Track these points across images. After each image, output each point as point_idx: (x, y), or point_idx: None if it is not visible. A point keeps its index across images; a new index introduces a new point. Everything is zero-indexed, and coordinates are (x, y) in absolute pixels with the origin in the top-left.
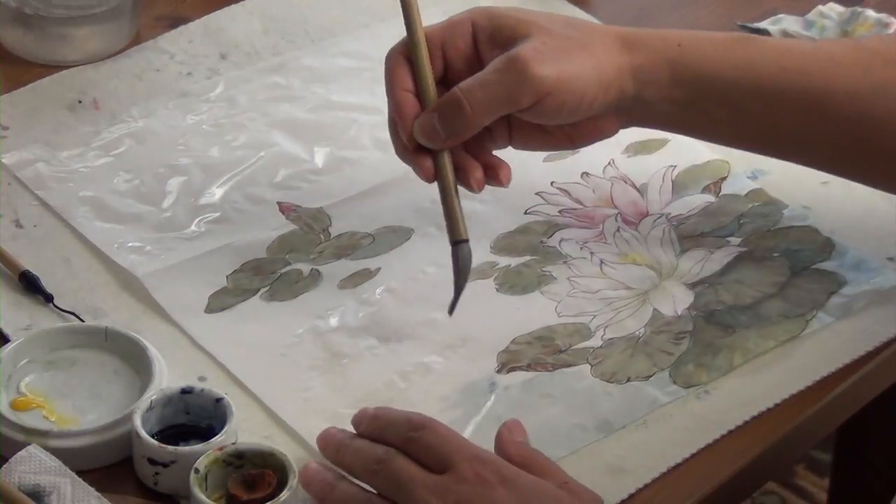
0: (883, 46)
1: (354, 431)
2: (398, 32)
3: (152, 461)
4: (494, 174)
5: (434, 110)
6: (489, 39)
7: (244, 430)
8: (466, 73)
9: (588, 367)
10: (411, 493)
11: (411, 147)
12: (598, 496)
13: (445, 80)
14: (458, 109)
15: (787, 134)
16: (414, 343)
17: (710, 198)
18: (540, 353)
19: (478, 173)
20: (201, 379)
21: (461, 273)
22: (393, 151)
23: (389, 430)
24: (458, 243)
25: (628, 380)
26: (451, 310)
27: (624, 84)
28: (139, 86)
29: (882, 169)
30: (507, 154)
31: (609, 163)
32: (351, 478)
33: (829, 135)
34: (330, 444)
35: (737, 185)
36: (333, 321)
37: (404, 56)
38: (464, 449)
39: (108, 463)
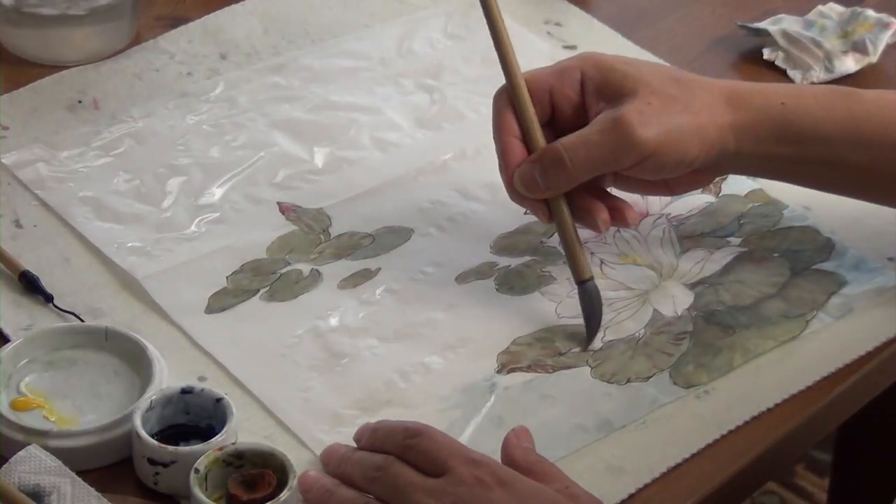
0: None
1: (355, 445)
2: (398, 33)
3: (152, 461)
4: (620, 215)
5: (536, 161)
6: (596, 90)
7: (244, 430)
8: (573, 118)
9: (588, 368)
10: (410, 497)
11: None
12: (598, 501)
13: (552, 124)
14: (559, 165)
15: (888, 182)
16: (414, 343)
17: (710, 198)
18: (540, 354)
19: (604, 214)
20: (201, 379)
21: (593, 311)
22: (393, 151)
23: (387, 440)
24: (585, 283)
25: (628, 380)
26: (587, 346)
27: (726, 142)
28: (139, 86)
29: None
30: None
31: None
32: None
33: None
34: (332, 457)
35: (737, 185)
36: (333, 321)
37: (509, 104)
38: (460, 453)
39: (108, 463)
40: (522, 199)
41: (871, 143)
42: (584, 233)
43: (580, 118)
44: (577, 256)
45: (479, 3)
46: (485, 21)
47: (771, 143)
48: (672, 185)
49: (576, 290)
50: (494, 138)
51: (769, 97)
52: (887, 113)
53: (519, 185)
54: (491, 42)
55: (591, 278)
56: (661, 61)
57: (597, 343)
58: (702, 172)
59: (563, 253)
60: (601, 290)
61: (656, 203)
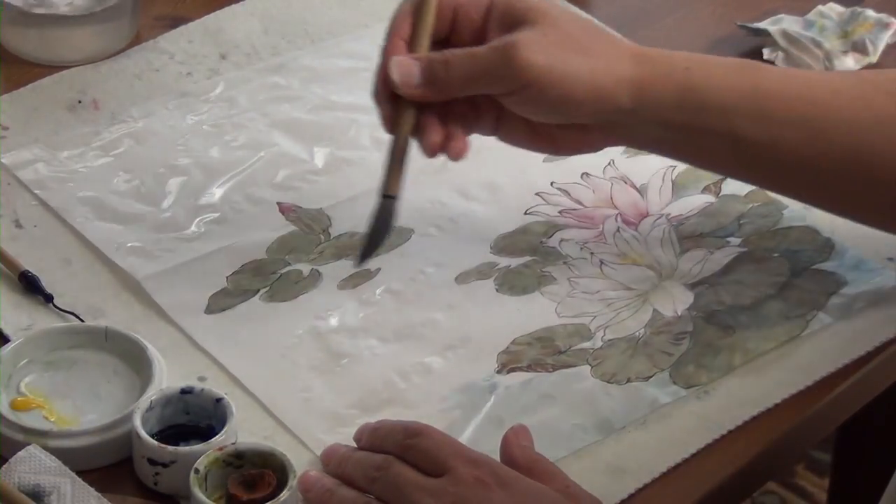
0: (883, 78)
1: (356, 445)
2: None
3: (152, 461)
4: (450, 145)
5: (418, 59)
6: (500, 17)
7: (244, 430)
8: (468, 40)
9: (588, 367)
10: (409, 497)
11: (385, 91)
12: (598, 501)
13: (447, 44)
14: (440, 66)
15: (787, 163)
16: (414, 343)
17: (709, 198)
18: (540, 353)
19: (435, 137)
20: (201, 379)
21: (380, 229)
22: None
23: (387, 440)
24: (387, 197)
25: (628, 380)
26: (360, 262)
27: (620, 97)
28: (139, 86)
29: (879, 201)
30: (511, 154)
31: (609, 163)
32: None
33: (828, 166)
34: (333, 458)
35: (736, 185)
36: (333, 321)
37: (414, 7)
38: (460, 453)
39: (108, 463)
40: (381, 101)
41: (772, 119)
42: (584, 234)
43: (477, 44)
44: (395, 170)
45: None
46: None
47: (671, 107)
48: (558, 141)
49: (575, 290)
50: (385, 38)
51: (675, 61)
52: (792, 89)
53: (394, 71)
54: None
55: (394, 198)
56: None
57: (596, 341)
58: (591, 131)
59: (386, 161)
60: (602, 289)
61: (656, 203)
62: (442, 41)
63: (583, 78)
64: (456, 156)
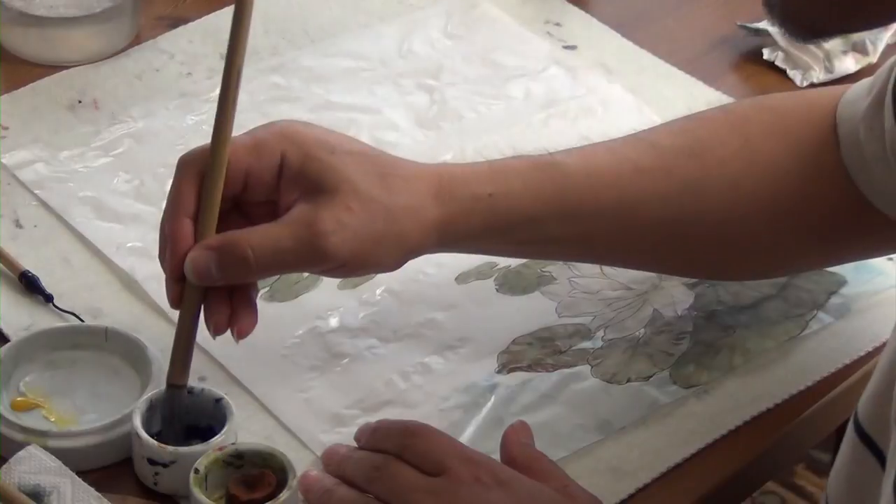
0: (677, 140)
1: (356, 445)
2: (398, 33)
3: (152, 461)
4: (236, 323)
5: (214, 250)
6: (294, 178)
7: (244, 430)
8: (262, 200)
9: (588, 367)
10: (408, 497)
11: (173, 272)
12: (597, 500)
13: (240, 203)
14: (241, 262)
15: (607, 248)
16: (414, 343)
17: None
18: (540, 353)
19: (220, 317)
20: (201, 379)
21: (168, 418)
22: (393, 151)
23: (387, 440)
24: (172, 387)
25: (628, 380)
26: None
27: (428, 244)
28: (139, 86)
29: (702, 259)
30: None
31: None
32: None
33: (648, 240)
34: (333, 458)
35: None
36: (334, 322)
37: (198, 172)
38: (459, 452)
39: (108, 463)
40: (168, 279)
41: (580, 216)
42: None
43: (271, 204)
44: (178, 359)
45: (479, 3)
46: (484, 20)
47: (479, 234)
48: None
49: (575, 290)
50: (165, 213)
51: (476, 188)
52: (593, 182)
53: (190, 271)
54: (490, 42)
55: (182, 387)
56: (660, 61)
57: (596, 341)
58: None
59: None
60: (602, 289)
61: None
62: (233, 198)
63: (389, 247)
64: (242, 334)
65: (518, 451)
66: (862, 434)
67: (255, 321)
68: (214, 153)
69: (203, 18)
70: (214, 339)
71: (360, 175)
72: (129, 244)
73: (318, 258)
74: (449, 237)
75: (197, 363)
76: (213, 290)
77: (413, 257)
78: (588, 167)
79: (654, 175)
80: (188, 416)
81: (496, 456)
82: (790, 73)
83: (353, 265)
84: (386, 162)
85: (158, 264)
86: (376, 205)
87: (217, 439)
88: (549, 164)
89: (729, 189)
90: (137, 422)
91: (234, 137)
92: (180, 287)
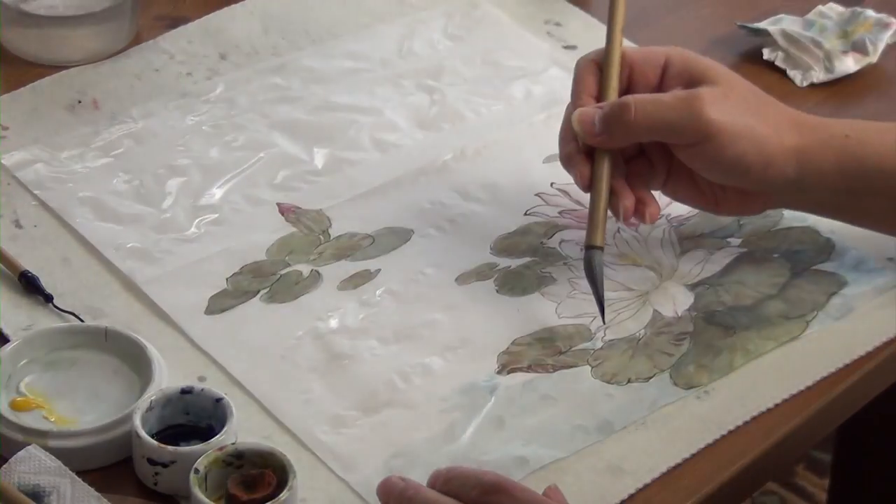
0: None
1: (400, 475)
2: (398, 33)
3: (152, 461)
4: (641, 209)
5: (600, 107)
6: (678, 74)
7: (244, 430)
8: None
9: (588, 368)
10: None
11: (578, 151)
12: None
13: (620, 96)
14: (622, 112)
15: None
16: (414, 344)
17: None
18: (540, 354)
19: (628, 202)
20: (201, 379)
21: (595, 280)
22: (393, 152)
23: (462, 492)
24: (592, 248)
25: (629, 381)
26: (602, 318)
27: (786, 167)
28: (139, 86)
29: None
30: (511, 154)
31: None
32: None
33: None
34: (392, 494)
35: None
36: (333, 323)
37: (596, 64)
38: None
39: (108, 463)
40: (570, 161)
41: None
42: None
43: None
44: (598, 222)
45: (479, 4)
46: (484, 21)
47: (833, 174)
48: (721, 202)
49: (575, 291)
50: (572, 95)
51: (833, 129)
52: None
53: (576, 123)
54: (490, 43)
55: (599, 248)
56: None
57: (597, 342)
58: (754, 197)
59: (587, 214)
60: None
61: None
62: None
63: (756, 143)
64: (651, 220)
65: None
66: None
67: (659, 209)
68: (609, 42)
69: (203, 18)
70: (622, 222)
71: (738, 81)
72: (128, 245)
73: (693, 120)
74: (804, 169)
75: (197, 363)
76: (618, 185)
77: (769, 178)
78: None
79: None
80: (188, 416)
81: (496, 456)
82: (790, 73)
83: (720, 141)
84: (758, 90)
85: (158, 266)
86: (749, 105)
87: (217, 439)
88: None
89: None
90: (137, 422)
91: (623, 46)
92: (589, 167)
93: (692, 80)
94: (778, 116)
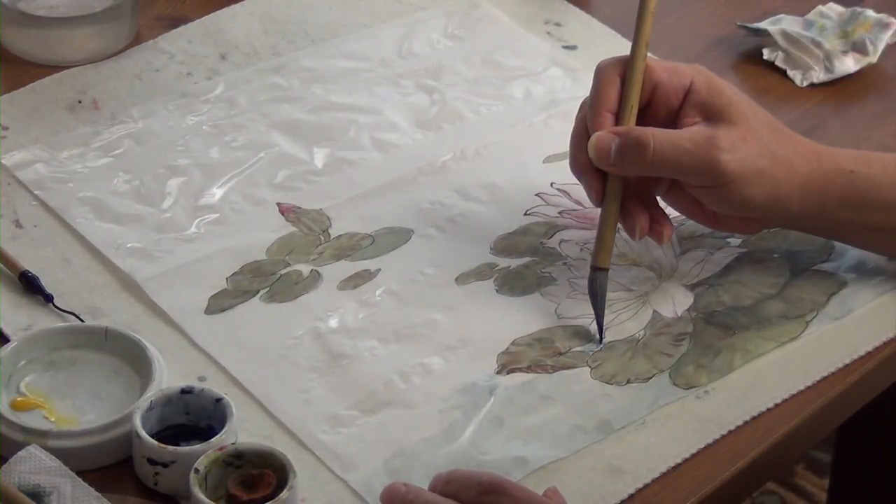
0: None
1: (402, 481)
2: (398, 33)
3: (152, 461)
4: (656, 229)
5: (618, 135)
6: (698, 104)
7: (244, 430)
8: (662, 118)
9: (588, 369)
10: None
11: (590, 164)
12: None
13: (641, 116)
14: (641, 149)
15: None
16: (414, 344)
17: None
18: (540, 354)
19: (643, 222)
20: (201, 379)
21: (597, 302)
22: (393, 152)
23: (461, 494)
24: (597, 269)
25: (628, 382)
26: (600, 338)
27: (791, 204)
28: (139, 86)
29: None
30: (511, 155)
31: None
32: None
33: None
34: (395, 498)
35: None
36: (333, 322)
37: (619, 76)
38: None
39: (108, 463)
40: (582, 172)
41: None
42: (584, 234)
43: (670, 121)
44: (606, 243)
45: (479, 4)
46: (484, 21)
47: (835, 207)
48: (721, 221)
49: (575, 291)
50: (591, 106)
51: (841, 162)
52: None
53: (591, 147)
54: (490, 43)
55: (604, 269)
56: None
57: (596, 343)
58: (754, 221)
59: (596, 232)
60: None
61: None
62: (638, 112)
63: (766, 188)
64: (667, 240)
65: None
66: None
67: (672, 228)
68: (634, 57)
69: (203, 18)
70: (636, 240)
71: (756, 119)
72: (128, 245)
73: (709, 168)
74: (808, 201)
75: (197, 363)
76: (630, 199)
77: (773, 213)
78: None
79: None
80: (188, 416)
81: (495, 457)
82: (790, 73)
83: (733, 188)
84: (774, 120)
85: (158, 265)
86: (765, 146)
87: (217, 439)
88: None
89: None
90: (137, 422)
91: (649, 58)
92: (602, 182)
93: (712, 115)
94: (791, 153)
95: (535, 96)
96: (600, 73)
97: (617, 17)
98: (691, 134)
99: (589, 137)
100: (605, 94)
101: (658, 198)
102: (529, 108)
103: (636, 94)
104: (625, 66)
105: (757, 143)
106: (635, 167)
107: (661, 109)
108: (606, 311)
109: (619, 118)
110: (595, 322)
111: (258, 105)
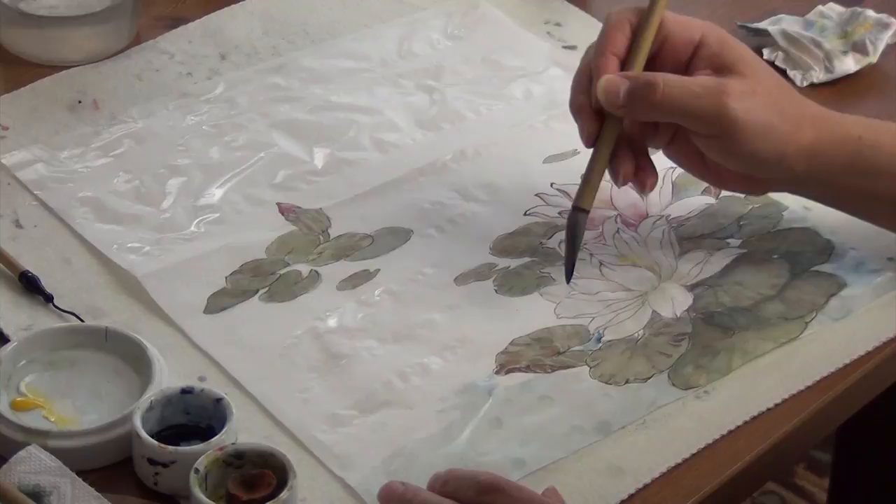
0: None
1: (400, 480)
2: (398, 33)
3: (152, 461)
4: (641, 178)
5: (628, 78)
6: (709, 56)
7: (244, 430)
8: (669, 67)
9: (587, 368)
10: None
11: (590, 106)
12: None
13: (649, 65)
14: (649, 91)
15: None
16: (413, 344)
17: (710, 199)
18: (538, 354)
19: (628, 167)
20: (201, 379)
21: (574, 242)
22: (393, 152)
23: (459, 493)
24: (578, 210)
25: (627, 382)
26: (568, 279)
27: (797, 164)
28: (139, 86)
29: None
30: (511, 155)
31: None
32: None
33: None
34: (392, 497)
35: None
36: (332, 322)
37: (629, 23)
38: None
39: (108, 463)
40: (579, 113)
41: None
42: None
43: (677, 73)
44: (591, 185)
45: (479, 4)
46: (484, 21)
47: (841, 173)
48: (723, 177)
49: (574, 292)
50: (596, 48)
51: (849, 127)
52: None
53: (601, 89)
54: (490, 43)
55: (585, 210)
56: None
57: (595, 343)
58: (758, 182)
59: (583, 174)
60: (601, 290)
61: (656, 204)
62: (647, 61)
63: (773, 141)
64: (648, 188)
65: None
66: None
67: (657, 180)
68: (652, 8)
69: (203, 18)
70: (619, 187)
71: (767, 76)
72: (128, 245)
73: (717, 115)
74: (814, 163)
75: (197, 363)
76: (619, 148)
77: (778, 172)
78: None
79: None
80: (188, 415)
81: (493, 457)
82: (790, 73)
83: (738, 137)
84: (784, 81)
85: (157, 265)
86: (774, 101)
87: (217, 439)
88: None
89: None
90: (137, 422)
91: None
92: (598, 126)
93: (723, 67)
94: (799, 112)
95: (536, 96)
96: (611, 17)
97: None
98: (702, 80)
99: (591, 80)
100: (612, 38)
101: (661, 152)
102: (530, 108)
103: (648, 44)
104: (637, 16)
105: (766, 97)
106: (644, 110)
107: (668, 60)
108: (605, 311)
109: (627, 63)
110: (565, 265)
111: (258, 105)
